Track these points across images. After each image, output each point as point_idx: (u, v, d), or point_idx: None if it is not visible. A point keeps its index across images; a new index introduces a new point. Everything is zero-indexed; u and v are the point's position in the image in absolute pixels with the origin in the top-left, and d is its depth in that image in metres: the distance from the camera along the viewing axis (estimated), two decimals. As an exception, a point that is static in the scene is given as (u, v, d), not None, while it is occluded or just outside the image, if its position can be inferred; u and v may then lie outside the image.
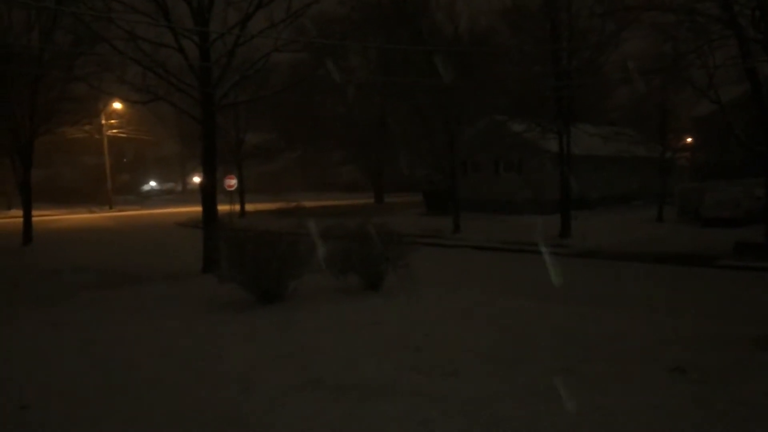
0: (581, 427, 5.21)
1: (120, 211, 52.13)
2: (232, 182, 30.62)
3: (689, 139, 39.17)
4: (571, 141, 23.14)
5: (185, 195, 71.39)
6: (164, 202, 63.48)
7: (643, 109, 34.85)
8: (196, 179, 60.29)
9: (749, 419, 5.33)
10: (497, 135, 30.07)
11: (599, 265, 17.21)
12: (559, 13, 21.99)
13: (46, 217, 40.64)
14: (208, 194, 16.42)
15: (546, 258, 16.22)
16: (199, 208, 17.25)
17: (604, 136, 28.25)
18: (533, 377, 6.48)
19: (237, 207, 37.01)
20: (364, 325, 9.07)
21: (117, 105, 46.55)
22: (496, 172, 34.72)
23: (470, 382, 6.38)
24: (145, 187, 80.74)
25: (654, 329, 8.57)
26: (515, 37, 27.15)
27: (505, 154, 32.57)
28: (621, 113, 41.73)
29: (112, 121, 53.09)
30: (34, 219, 25.37)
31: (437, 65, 21.41)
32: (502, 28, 33.13)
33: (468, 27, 31.96)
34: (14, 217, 33.78)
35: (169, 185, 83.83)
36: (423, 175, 37.86)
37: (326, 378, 6.58)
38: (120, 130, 55.07)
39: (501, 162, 34.28)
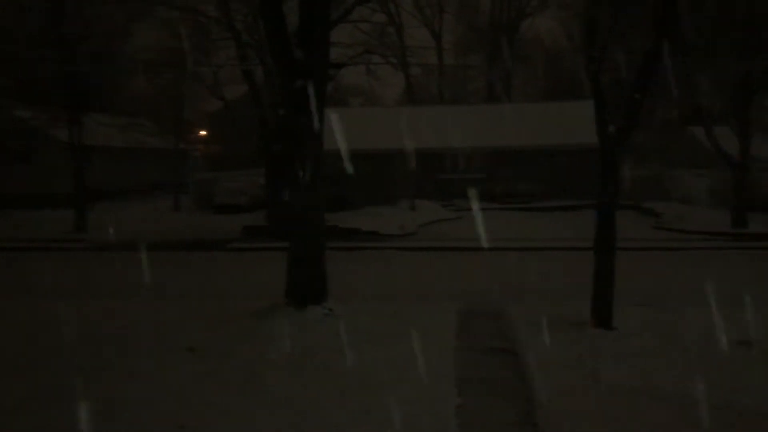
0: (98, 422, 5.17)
1: None
2: None
3: (203, 132, 41.55)
4: (83, 131, 22.09)
5: None
6: None
7: (159, 102, 35.49)
8: None
9: (246, 382, 6.10)
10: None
11: (118, 257, 16.96)
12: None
13: None
14: None
15: (61, 254, 15.30)
16: None
17: (121, 127, 27.79)
18: (51, 380, 6.18)
19: None
20: None
21: None
22: (-2, 163, 30.77)
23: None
24: None
25: (169, 314, 8.97)
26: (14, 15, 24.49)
27: (8, 142, 29.09)
28: (139, 104, 41.46)
29: None
30: None
31: None
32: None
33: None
34: None
35: None
36: None
37: None
38: None
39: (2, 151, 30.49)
